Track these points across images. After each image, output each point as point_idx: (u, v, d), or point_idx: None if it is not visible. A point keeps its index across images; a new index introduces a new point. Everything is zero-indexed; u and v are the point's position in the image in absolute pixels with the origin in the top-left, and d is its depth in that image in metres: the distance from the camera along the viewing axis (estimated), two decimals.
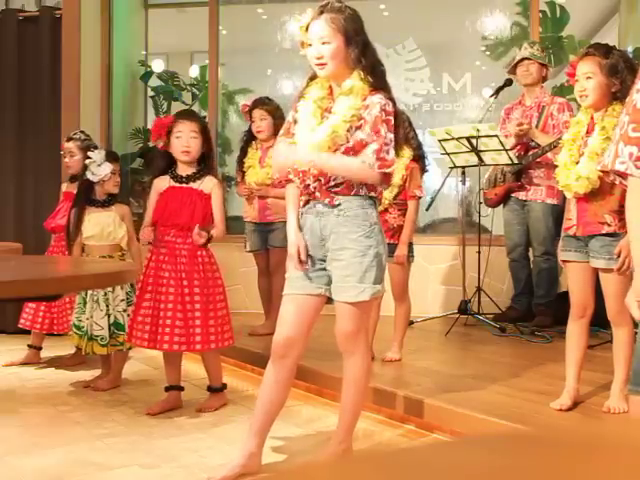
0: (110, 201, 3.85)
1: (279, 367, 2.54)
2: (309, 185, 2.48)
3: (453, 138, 4.45)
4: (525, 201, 4.82)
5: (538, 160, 4.65)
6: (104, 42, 5.95)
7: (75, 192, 3.95)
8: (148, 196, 3.41)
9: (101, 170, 3.74)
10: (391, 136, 2.39)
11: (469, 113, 6.08)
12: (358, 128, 2.40)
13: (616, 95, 2.76)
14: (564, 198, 3.07)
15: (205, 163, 3.35)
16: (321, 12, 2.43)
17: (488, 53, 6.33)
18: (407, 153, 3.68)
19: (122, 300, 3.74)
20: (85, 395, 3.69)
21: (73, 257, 3.70)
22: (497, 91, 4.92)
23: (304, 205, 2.53)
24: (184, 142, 3.26)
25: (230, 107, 6.74)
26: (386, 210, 3.64)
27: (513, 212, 4.89)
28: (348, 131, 2.40)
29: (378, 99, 2.40)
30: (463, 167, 4.64)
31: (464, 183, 4.81)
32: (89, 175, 3.75)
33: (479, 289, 4.79)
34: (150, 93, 6.78)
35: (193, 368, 3.85)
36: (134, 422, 3.21)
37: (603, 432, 0.56)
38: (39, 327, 4.28)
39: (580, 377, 2.91)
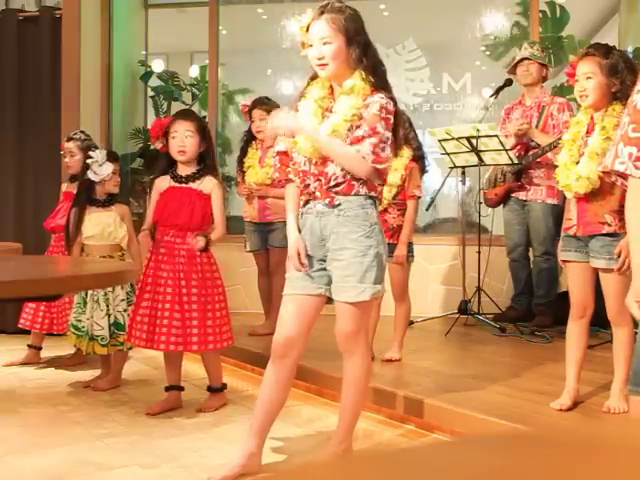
0: (110, 201, 3.85)
1: (279, 367, 2.54)
2: (309, 185, 2.48)
3: (453, 138, 4.45)
4: (525, 201, 4.82)
5: (538, 160, 4.66)
6: (104, 42, 5.95)
7: (75, 192, 3.95)
8: (147, 196, 3.41)
9: (103, 170, 3.75)
10: (388, 134, 2.39)
11: (469, 113, 6.09)
12: (358, 127, 2.40)
13: (616, 95, 2.76)
14: (564, 198, 3.07)
15: (205, 163, 3.35)
16: (322, 12, 2.43)
17: (488, 53, 6.33)
18: (406, 153, 3.68)
19: (122, 300, 3.74)
20: (85, 395, 3.69)
21: (73, 257, 3.69)
22: (497, 91, 4.92)
23: (304, 205, 2.53)
24: (179, 142, 3.26)
25: (230, 107, 6.74)
26: (385, 210, 3.64)
27: (513, 212, 4.89)
28: (349, 130, 2.40)
29: (378, 98, 2.40)
30: (463, 167, 4.64)
31: (464, 183, 4.81)
32: (91, 175, 3.75)
33: (479, 289, 4.79)
34: (150, 93, 6.78)
35: (193, 368, 3.85)
36: (134, 422, 3.21)
37: (603, 432, 0.56)
38: (39, 327, 4.28)
39: (580, 377, 2.91)
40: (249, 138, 4.59)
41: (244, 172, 4.57)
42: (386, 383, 3.30)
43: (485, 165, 4.60)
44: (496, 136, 4.34)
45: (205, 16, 6.14)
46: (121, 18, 6.17)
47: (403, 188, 3.72)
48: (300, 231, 2.53)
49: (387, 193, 3.59)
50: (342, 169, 2.42)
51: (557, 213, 4.44)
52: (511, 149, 4.52)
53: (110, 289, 3.69)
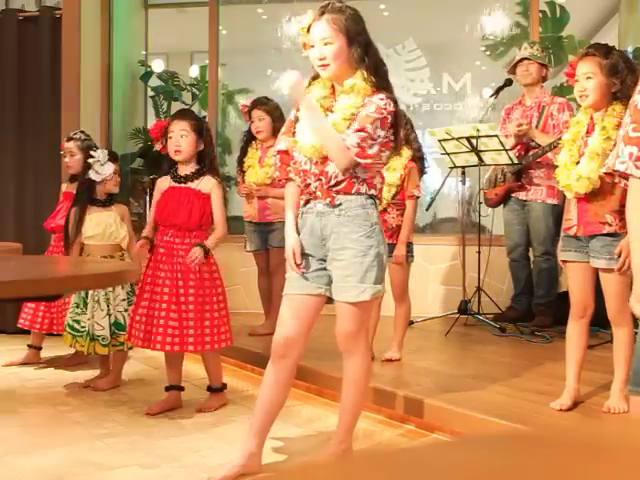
0: (110, 201, 3.85)
1: (279, 367, 2.54)
2: (310, 184, 2.48)
3: (453, 138, 4.45)
4: (525, 201, 4.82)
5: (538, 160, 4.66)
6: (104, 42, 5.95)
7: (75, 192, 3.95)
8: (147, 196, 3.42)
9: (105, 169, 3.75)
10: (381, 133, 2.38)
11: (469, 113, 6.09)
12: None
13: (616, 95, 2.76)
14: (564, 198, 3.07)
15: (204, 162, 3.34)
16: (322, 13, 2.43)
17: (488, 53, 6.33)
18: (405, 153, 3.68)
19: (123, 300, 3.74)
20: (85, 395, 3.69)
21: (73, 257, 3.69)
22: (497, 91, 4.92)
23: (304, 205, 2.53)
24: (175, 142, 3.26)
25: (230, 107, 6.74)
26: (385, 210, 3.64)
27: (513, 212, 4.89)
28: (347, 129, 2.40)
29: (377, 99, 2.40)
30: (463, 167, 4.64)
31: (464, 183, 4.81)
32: (92, 174, 3.75)
33: (479, 289, 4.79)
34: (150, 93, 6.78)
35: (193, 368, 3.85)
36: (134, 422, 3.21)
37: (603, 432, 0.56)
38: (38, 327, 4.28)
39: (580, 377, 2.91)
40: (249, 138, 4.59)
41: (244, 172, 4.57)
42: (386, 383, 3.30)
43: (485, 165, 4.60)
44: (496, 136, 4.34)
45: (205, 16, 6.14)
46: (121, 18, 6.17)
47: (402, 188, 3.72)
48: (299, 231, 2.53)
49: (386, 193, 3.59)
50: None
51: (557, 213, 4.44)
52: (511, 149, 4.52)
53: (111, 289, 3.69)
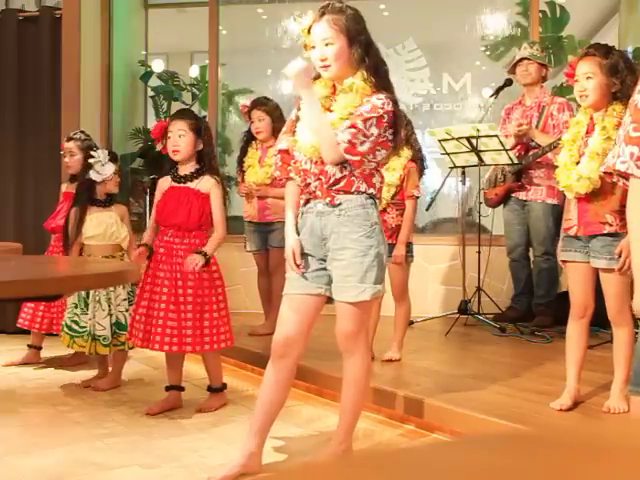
0: (110, 201, 3.85)
1: (279, 367, 2.54)
2: (310, 184, 2.48)
3: (453, 138, 4.45)
4: (525, 201, 4.82)
5: (538, 160, 4.66)
6: (104, 42, 5.95)
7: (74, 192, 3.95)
8: (147, 196, 3.42)
9: (106, 169, 3.75)
10: (375, 131, 2.37)
11: (469, 113, 6.09)
12: None
13: (616, 95, 2.76)
14: (564, 198, 3.07)
15: (203, 162, 3.34)
16: (322, 14, 2.42)
17: (488, 53, 6.33)
18: (405, 153, 3.68)
19: (124, 300, 3.74)
20: (85, 395, 3.69)
21: (73, 257, 3.69)
22: (497, 91, 4.92)
23: (304, 204, 2.53)
24: (173, 142, 3.26)
25: (230, 107, 6.74)
26: (384, 210, 3.64)
27: (513, 212, 4.89)
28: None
29: (375, 99, 2.40)
30: (463, 167, 4.64)
31: (464, 183, 4.81)
32: (93, 175, 3.75)
33: (479, 289, 4.79)
34: (150, 93, 6.78)
35: (194, 368, 3.85)
36: (134, 422, 3.21)
37: (603, 432, 0.56)
38: (38, 327, 4.28)
39: (580, 377, 2.91)
40: (249, 138, 4.59)
41: (244, 172, 4.57)
42: (386, 383, 3.30)
43: (485, 165, 4.60)
44: (496, 136, 4.34)
45: (205, 16, 6.14)
46: (121, 18, 6.17)
47: (402, 188, 3.73)
48: (299, 231, 2.53)
49: (386, 193, 3.59)
50: (342, 166, 2.41)
51: (557, 213, 4.44)
52: (511, 149, 4.52)
53: (112, 289, 3.69)
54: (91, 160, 3.75)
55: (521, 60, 4.80)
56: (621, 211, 2.72)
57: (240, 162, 4.63)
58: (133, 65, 6.58)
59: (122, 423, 3.20)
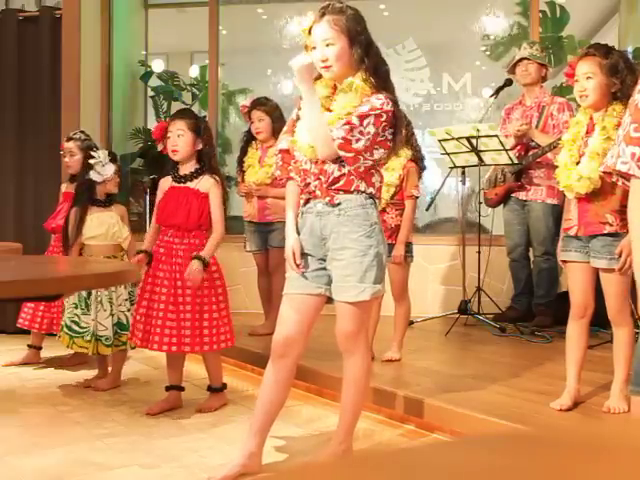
0: (109, 201, 3.85)
1: (279, 367, 2.54)
2: (310, 183, 2.48)
3: (453, 138, 4.45)
4: (525, 201, 4.82)
5: (538, 160, 4.66)
6: (104, 42, 5.95)
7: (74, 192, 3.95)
8: (146, 196, 3.42)
9: (106, 170, 3.75)
10: (372, 130, 2.36)
11: (469, 113, 6.09)
12: None
13: (616, 95, 2.76)
14: (564, 198, 3.07)
15: (204, 161, 3.33)
16: (323, 14, 2.42)
17: (488, 53, 6.33)
18: (404, 153, 3.68)
19: (125, 300, 3.74)
20: (85, 395, 3.69)
21: (73, 257, 3.69)
22: (497, 91, 4.92)
23: (304, 204, 2.53)
24: (172, 141, 3.26)
25: (230, 107, 6.74)
26: (384, 210, 3.64)
27: (513, 212, 4.89)
28: None
29: (375, 98, 2.40)
30: (463, 167, 4.64)
31: (464, 183, 4.81)
32: (93, 175, 3.75)
33: (479, 289, 4.79)
34: (150, 93, 6.78)
35: (194, 368, 3.85)
36: (134, 422, 3.21)
37: (603, 432, 0.56)
38: (38, 327, 4.28)
39: (580, 377, 2.91)
40: (249, 138, 4.59)
41: (244, 172, 4.58)
42: (386, 383, 3.30)
43: (485, 165, 4.60)
44: (496, 136, 4.34)
45: (205, 16, 6.14)
46: (121, 18, 6.17)
47: (401, 188, 3.73)
48: (299, 230, 2.53)
49: (385, 193, 3.59)
50: (340, 164, 2.42)
51: (557, 213, 4.44)
52: (511, 149, 4.52)
53: (113, 289, 3.69)
54: (92, 161, 3.75)
55: (521, 60, 4.80)
56: (621, 211, 2.72)
57: (240, 162, 4.63)
58: (133, 65, 6.58)
59: (122, 423, 3.20)
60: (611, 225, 2.76)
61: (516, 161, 4.52)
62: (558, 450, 0.50)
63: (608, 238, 2.76)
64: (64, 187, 4.47)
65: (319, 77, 2.50)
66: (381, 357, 3.72)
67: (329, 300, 2.54)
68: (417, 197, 3.78)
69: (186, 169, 3.31)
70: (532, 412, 2.88)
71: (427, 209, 4.93)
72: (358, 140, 2.35)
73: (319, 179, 2.46)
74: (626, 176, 1.76)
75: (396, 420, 3.14)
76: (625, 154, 1.71)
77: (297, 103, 2.54)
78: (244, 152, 4.61)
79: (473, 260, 4.71)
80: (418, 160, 3.79)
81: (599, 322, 3.26)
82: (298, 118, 2.52)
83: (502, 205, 4.95)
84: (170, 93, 6.77)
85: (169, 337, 3.19)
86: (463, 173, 4.72)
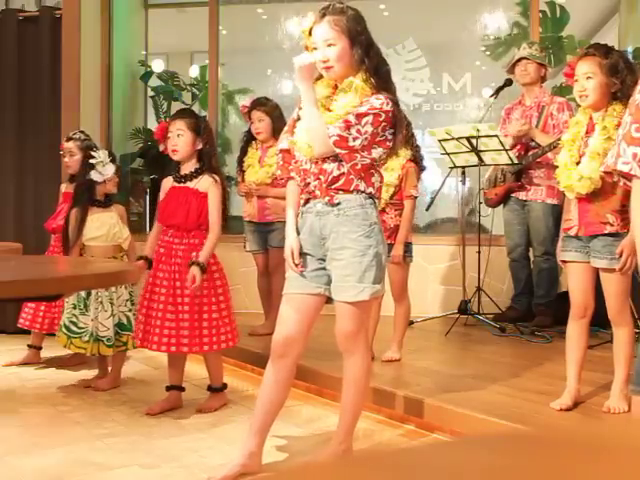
0: (109, 201, 3.85)
1: (279, 367, 2.54)
2: (309, 183, 2.48)
3: (453, 138, 4.45)
4: (525, 201, 4.82)
5: (538, 160, 4.65)
6: (104, 42, 5.95)
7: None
8: (146, 196, 3.42)
9: (107, 170, 3.75)
10: (370, 129, 2.36)
11: (469, 113, 6.09)
12: None
13: (616, 95, 2.76)
14: (564, 198, 3.07)
15: (204, 161, 3.33)
16: (323, 15, 2.42)
17: (488, 53, 6.33)
18: (403, 153, 3.68)
19: (126, 300, 3.74)
20: (85, 395, 3.68)
21: (74, 257, 3.69)
22: (497, 91, 4.92)
23: (304, 204, 2.53)
24: (172, 141, 3.26)
25: (230, 107, 6.74)
26: (383, 210, 3.64)
27: (513, 212, 4.89)
28: None
29: (374, 98, 2.40)
30: (463, 167, 4.64)
31: (464, 183, 4.81)
32: (94, 175, 3.74)
33: (479, 289, 4.79)
34: (150, 93, 6.78)
35: (194, 368, 3.85)
36: (134, 422, 3.21)
37: (603, 432, 0.56)
38: (39, 327, 4.28)
39: (580, 377, 2.91)
40: (249, 138, 4.59)
41: (244, 172, 4.58)
42: (386, 383, 3.30)
43: (485, 165, 4.60)
44: (496, 136, 4.34)
45: (205, 16, 6.14)
46: (121, 18, 6.17)
47: (400, 188, 3.73)
48: (299, 230, 2.53)
49: (384, 193, 3.59)
50: (339, 164, 2.42)
51: (557, 213, 4.44)
52: (511, 149, 4.52)
53: (114, 289, 3.68)
54: (93, 161, 3.75)
55: (520, 60, 4.80)
56: (622, 211, 2.72)
57: (240, 162, 4.63)
58: (133, 65, 6.58)
59: (122, 423, 3.20)
60: (612, 225, 2.76)
61: (516, 161, 4.52)
62: (558, 450, 0.50)
63: (609, 238, 2.76)
64: (64, 187, 4.47)
65: (320, 77, 2.50)
66: (381, 357, 3.72)
67: (329, 300, 2.54)
68: (416, 197, 3.78)
69: (186, 169, 3.31)
70: (532, 412, 2.88)
71: (427, 209, 4.93)
72: (355, 138, 2.36)
73: (319, 179, 2.46)
74: (628, 176, 1.76)
75: (396, 420, 3.14)
76: (626, 154, 1.71)
77: (298, 103, 2.54)
78: (244, 152, 4.61)
79: (473, 260, 4.71)
80: (417, 160, 3.80)
81: (599, 322, 3.26)
82: (299, 118, 2.52)
83: (502, 205, 4.95)
84: (170, 93, 6.77)
85: (168, 337, 3.19)
86: (463, 173, 4.72)
